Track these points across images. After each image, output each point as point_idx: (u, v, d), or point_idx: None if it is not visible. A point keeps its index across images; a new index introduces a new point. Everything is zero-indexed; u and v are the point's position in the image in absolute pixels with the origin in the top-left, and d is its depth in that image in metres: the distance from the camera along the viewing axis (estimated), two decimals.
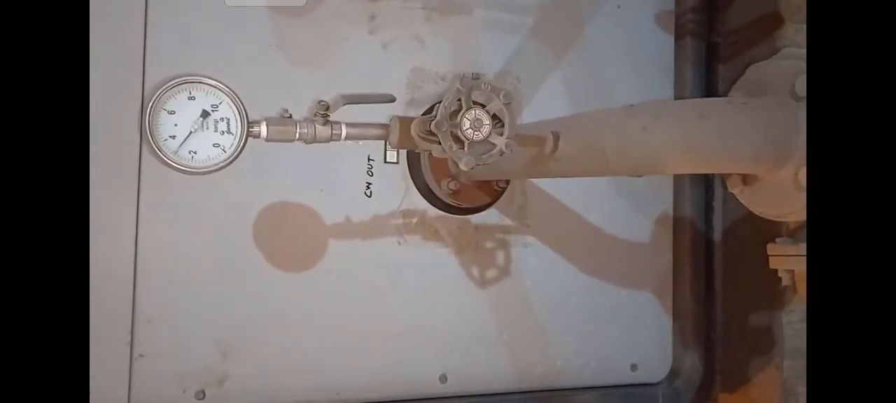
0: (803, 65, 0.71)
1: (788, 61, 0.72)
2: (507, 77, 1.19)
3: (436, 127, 0.69)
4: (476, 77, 1.21)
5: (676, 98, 1.28)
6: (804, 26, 1.19)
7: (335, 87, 1.09)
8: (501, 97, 0.70)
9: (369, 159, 1.10)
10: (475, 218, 1.16)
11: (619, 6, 1.26)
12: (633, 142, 0.73)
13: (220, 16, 1.03)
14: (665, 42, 1.29)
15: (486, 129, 0.70)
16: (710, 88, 1.28)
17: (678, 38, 1.29)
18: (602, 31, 1.25)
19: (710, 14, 1.29)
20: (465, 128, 0.70)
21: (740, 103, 0.74)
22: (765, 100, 0.72)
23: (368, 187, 1.10)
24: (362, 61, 1.12)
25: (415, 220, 1.13)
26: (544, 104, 1.20)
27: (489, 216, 1.16)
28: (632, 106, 0.76)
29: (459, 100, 0.70)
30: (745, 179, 0.76)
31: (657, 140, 0.71)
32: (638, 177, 0.75)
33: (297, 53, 1.08)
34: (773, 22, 1.23)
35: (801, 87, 0.70)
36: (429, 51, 1.16)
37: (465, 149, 0.70)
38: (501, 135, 0.71)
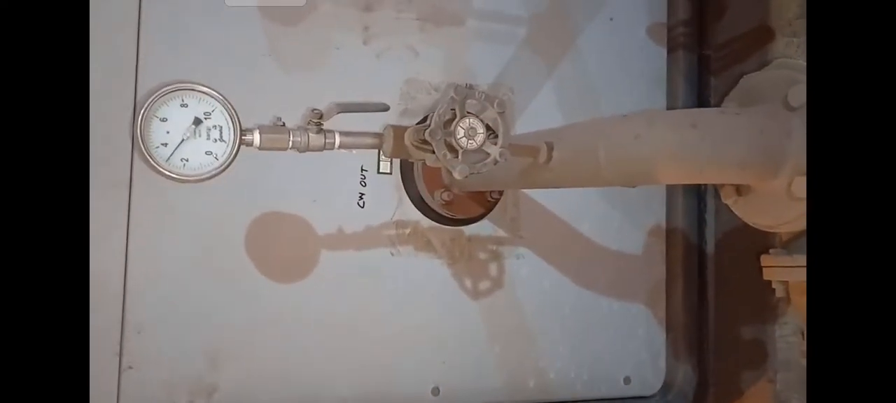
0: (796, 75, 0.71)
1: (781, 71, 0.72)
2: (501, 88, 1.20)
3: (430, 135, 0.68)
4: (469, 87, 1.22)
5: (669, 109, 1.28)
6: (795, 39, 1.20)
7: (329, 96, 1.09)
8: (495, 106, 0.70)
9: (362, 170, 1.10)
10: (468, 230, 1.15)
11: (611, 18, 1.27)
12: (625, 151, 0.73)
13: (214, 23, 1.03)
14: (657, 54, 1.30)
15: (480, 138, 0.70)
16: (702, 100, 1.29)
17: (670, 50, 1.30)
18: (594, 42, 1.26)
19: (701, 27, 1.30)
20: (459, 137, 0.69)
21: (733, 112, 0.74)
22: (758, 110, 0.72)
23: (361, 197, 1.10)
24: (356, 71, 1.12)
25: (408, 231, 1.12)
26: (537, 115, 1.21)
27: (482, 227, 1.16)
28: (625, 115, 0.76)
29: (453, 108, 0.70)
30: (739, 189, 0.76)
31: (650, 148, 0.71)
32: (631, 186, 0.75)
33: (290, 62, 1.08)
34: (765, 35, 1.24)
35: (794, 98, 0.71)
36: (422, 61, 1.16)
37: (459, 157, 0.70)
38: (495, 144, 0.71)
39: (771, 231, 0.76)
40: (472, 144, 0.70)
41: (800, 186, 0.68)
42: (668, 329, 1.26)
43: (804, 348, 0.75)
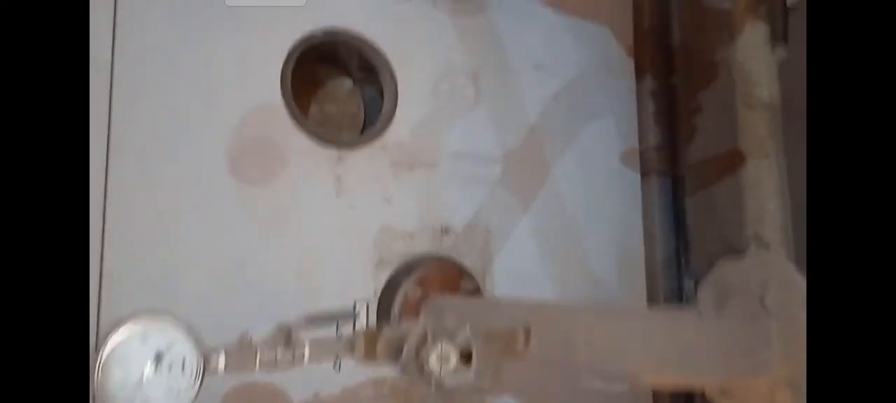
0: (772, 273, 0.71)
1: (757, 270, 0.72)
2: (476, 229, 1.18)
3: (402, 368, 0.66)
4: (446, 230, 1.21)
5: (646, 233, 1.28)
6: (766, 161, 1.20)
7: (300, 256, 1.07)
8: (468, 330, 0.68)
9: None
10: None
11: (584, 148, 1.27)
12: (603, 353, 0.71)
13: (184, 192, 1.01)
14: (632, 179, 1.30)
15: (453, 363, 0.68)
16: (678, 222, 1.29)
17: (644, 174, 1.30)
18: (568, 174, 1.26)
19: (673, 150, 1.30)
20: (431, 364, 0.67)
21: (711, 315, 0.74)
22: (736, 312, 0.72)
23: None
24: (329, 224, 1.10)
25: (386, 388, 1.09)
26: (515, 254, 1.19)
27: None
28: (603, 310, 0.74)
29: (426, 333, 0.68)
30: (724, 391, 0.75)
31: (628, 355, 0.69)
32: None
33: (261, 225, 1.06)
34: (736, 157, 1.24)
35: (772, 299, 0.70)
36: (396, 207, 1.14)
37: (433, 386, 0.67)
38: (469, 366, 0.68)
39: None
40: (446, 369, 0.68)
41: (784, 399, 0.67)
42: None
43: None
